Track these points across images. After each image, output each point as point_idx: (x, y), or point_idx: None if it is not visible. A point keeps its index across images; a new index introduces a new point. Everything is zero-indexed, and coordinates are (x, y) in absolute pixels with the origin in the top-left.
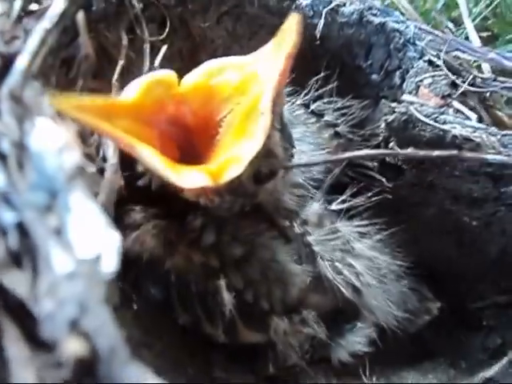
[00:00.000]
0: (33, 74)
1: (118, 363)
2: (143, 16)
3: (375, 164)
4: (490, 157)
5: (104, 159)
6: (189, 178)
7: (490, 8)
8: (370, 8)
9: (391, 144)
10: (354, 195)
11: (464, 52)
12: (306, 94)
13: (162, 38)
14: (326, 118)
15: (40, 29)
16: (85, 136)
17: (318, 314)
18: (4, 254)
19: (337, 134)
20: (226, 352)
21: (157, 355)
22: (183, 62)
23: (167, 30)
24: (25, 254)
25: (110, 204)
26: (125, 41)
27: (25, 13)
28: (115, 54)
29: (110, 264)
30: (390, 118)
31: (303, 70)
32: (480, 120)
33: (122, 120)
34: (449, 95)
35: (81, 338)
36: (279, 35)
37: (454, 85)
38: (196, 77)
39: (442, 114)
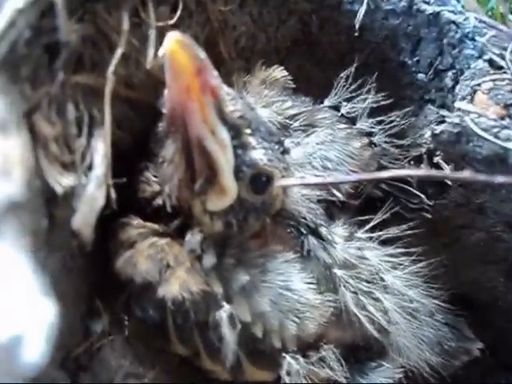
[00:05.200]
0: None
1: None
2: None
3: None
4: None
5: (90, 168)
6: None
7: None
8: None
9: (437, 158)
10: (387, 220)
11: None
12: (335, 95)
13: (172, 22)
14: (360, 125)
15: (9, 8)
16: (68, 139)
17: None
18: None
19: (371, 144)
20: None
21: None
22: None
23: (179, 12)
24: None
25: (88, 227)
26: (126, 24)
27: None
28: (117, 42)
29: (36, 350)
30: (439, 128)
31: (337, 66)
32: None
33: None
34: None
35: None
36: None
37: None
38: None
39: (506, 128)
